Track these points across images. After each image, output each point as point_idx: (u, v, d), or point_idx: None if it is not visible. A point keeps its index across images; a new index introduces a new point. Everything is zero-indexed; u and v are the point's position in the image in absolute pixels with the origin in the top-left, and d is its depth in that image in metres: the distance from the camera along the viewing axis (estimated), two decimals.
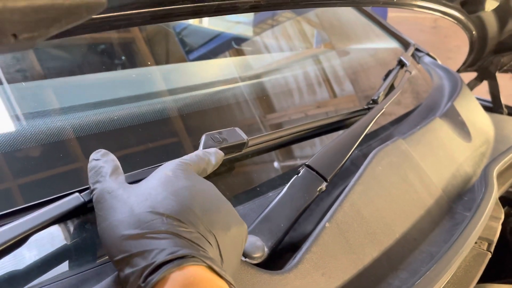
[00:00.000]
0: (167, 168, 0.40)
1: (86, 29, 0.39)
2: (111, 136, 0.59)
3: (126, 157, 0.58)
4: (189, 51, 1.02)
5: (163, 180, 0.38)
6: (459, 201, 0.72)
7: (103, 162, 0.42)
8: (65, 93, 0.65)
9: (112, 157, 0.44)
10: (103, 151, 0.44)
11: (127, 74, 0.78)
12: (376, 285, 0.51)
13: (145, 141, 0.51)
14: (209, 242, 0.35)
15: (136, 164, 0.52)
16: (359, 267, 0.51)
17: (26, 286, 0.41)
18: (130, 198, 0.36)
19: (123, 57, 0.81)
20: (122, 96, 0.68)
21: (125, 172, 0.49)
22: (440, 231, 0.63)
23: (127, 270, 0.32)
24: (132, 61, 0.82)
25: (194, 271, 0.31)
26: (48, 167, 0.53)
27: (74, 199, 0.43)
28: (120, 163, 0.45)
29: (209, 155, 0.48)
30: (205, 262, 0.32)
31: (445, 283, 0.53)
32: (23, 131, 0.54)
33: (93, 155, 0.44)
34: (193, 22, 1.25)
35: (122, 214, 0.35)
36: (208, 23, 1.26)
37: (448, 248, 0.57)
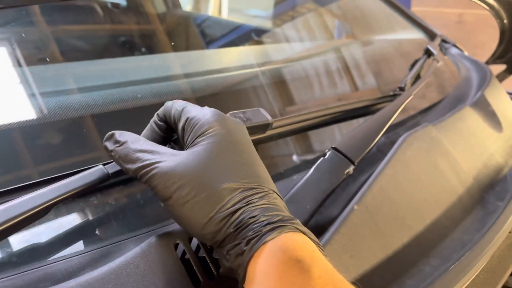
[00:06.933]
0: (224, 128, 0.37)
1: None
2: (135, 114, 0.58)
3: None
4: (209, 42, 1.02)
5: (224, 146, 0.35)
6: (491, 191, 0.69)
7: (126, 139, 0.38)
8: (90, 75, 0.64)
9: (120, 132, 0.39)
10: (111, 133, 0.39)
11: (150, 59, 0.77)
12: (407, 270, 0.49)
13: None
14: (280, 198, 0.36)
15: None
16: (389, 252, 0.49)
17: (48, 259, 0.40)
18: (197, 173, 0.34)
19: (143, 49, 0.80)
20: (145, 77, 0.67)
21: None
22: (472, 220, 0.61)
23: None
24: (153, 52, 0.81)
25: (290, 235, 0.32)
26: (73, 145, 0.53)
27: (97, 171, 0.42)
28: None
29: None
30: (299, 229, 0.33)
31: (478, 271, 0.51)
32: (47, 107, 0.53)
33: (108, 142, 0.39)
34: (212, 14, 1.24)
35: (199, 194, 0.33)
36: (228, 15, 1.24)
37: (481, 236, 0.54)
